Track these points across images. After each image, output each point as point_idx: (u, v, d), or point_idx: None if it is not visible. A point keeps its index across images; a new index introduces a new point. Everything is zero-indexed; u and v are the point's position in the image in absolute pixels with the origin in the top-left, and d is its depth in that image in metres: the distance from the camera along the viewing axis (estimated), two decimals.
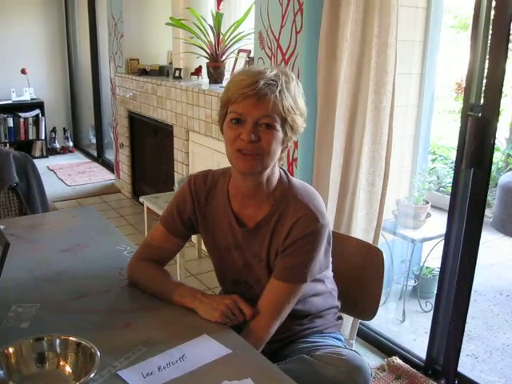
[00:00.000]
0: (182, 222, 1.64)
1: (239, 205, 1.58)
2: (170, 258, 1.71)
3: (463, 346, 2.54)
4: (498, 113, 2.18)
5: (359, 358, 1.57)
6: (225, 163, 1.58)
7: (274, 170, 1.53)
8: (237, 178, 1.55)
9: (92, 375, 1.10)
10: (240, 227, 1.57)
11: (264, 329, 1.51)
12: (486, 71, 2.18)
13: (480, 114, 2.21)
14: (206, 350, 1.33)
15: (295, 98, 1.44)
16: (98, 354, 1.15)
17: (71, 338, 1.22)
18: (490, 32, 2.14)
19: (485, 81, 2.19)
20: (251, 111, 1.40)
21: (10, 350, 1.19)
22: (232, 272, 1.65)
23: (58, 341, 1.23)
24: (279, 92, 1.40)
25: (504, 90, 2.16)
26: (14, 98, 6.79)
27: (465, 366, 2.65)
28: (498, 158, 5.04)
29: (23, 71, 6.73)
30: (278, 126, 1.42)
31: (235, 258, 1.61)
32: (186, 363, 1.28)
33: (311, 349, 1.60)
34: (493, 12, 2.11)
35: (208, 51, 4.00)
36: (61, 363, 1.21)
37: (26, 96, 6.85)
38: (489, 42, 2.15)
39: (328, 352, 1.55)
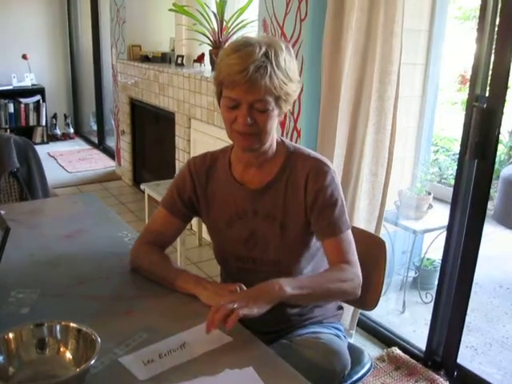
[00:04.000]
0: (182, 201, 1.65)
1: (242, 172, 1.61)
2: (172, 241, 1.72)
3: (463, 337, 2.54)
4: (503, 104, 2.17)
5: (337, 343, 1.60)
6: None
7: (273, 139, 1.57)
8: (238, 150, 1.59)
9: (92, 362, 1.09)
10: (247, 190, 1.59)
11: (358, 276, 1.54)
12: (492, 62, 2.16)
13: (485, 105, 2.19)
14: (207, 337, 1.32)
15: (286, 70, 1.44)
16: (99, 340, 1.15)
17: (72, 325, 1.21)
18: (497, 23, 2.12)
19: (490, 72, 2.17)
20: (245, 96, 1.42)
21: (10, 335, 1.18)
22: (235, 248, 1.64)
23: (58, 327, 1.22)
24: (269, 76, 1.40)
25: (510, 81, 2.15)
26: (15, 83, 6.75)
27: (464, 358, 2.65)
28: (500, 150, 5.04)
29: (24, 57, 6.69)
30: (272, 106, 1.45)
31: (239, 229, 1.61)
32: (187, 351, 1.28)
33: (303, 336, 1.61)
34: (500, 2, 2.10)
35: (211, 38, 3.97)
36: (61, 349, 1.21)
37: (27, 82, 6.81)
38: (495, 32, 2.14)
39: (307, 337, 1.58)
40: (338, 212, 1.55)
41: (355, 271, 1.54)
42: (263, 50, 1.41)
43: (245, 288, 1.47)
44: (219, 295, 1.44)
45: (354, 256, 1.56)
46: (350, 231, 1.58)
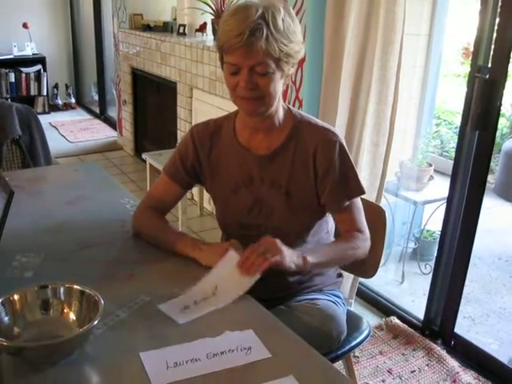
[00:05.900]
0: (185, 169, 1.66)
1: (248, 138, 1.60)
2: (172, 207, 1.75)
3: (460, 308, 2.57)
4: (505, 75, 2.17)
5: (333, 308, 1.63)
6: None
7: (279, 105, 1.56)
8: (244, 116, 1.58)
9: (96, 322, 1.11)
10: (254, 156, 1.59)
11: (368, 240, 1.63)
12: (495, 33, 2.15)
13: (487, 76, 2.19)
14: (236, 279, 1.37)
15: (285, 31, 1.42)
16: (102, 301, 1.17)
17: (75, 286, 1.23)
18: None
19: (493, 43, 2.16)
20: (244, 61, 1.41)
21: (15, 296, 1.20)
22: (239, 215, 1.64)
23: (62, 289, 1.24)
24: (266, 39, 1.38)
25: None
26: (16, 52, 6.68)
27: (461, 328, 2.68)
28: (502, 124, 5.02)
29: (25, 25, 6.61)
30: (273, 68, 1.43)
31: (244, 197, 1.62)
32: (219, 297, 1.35)
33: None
34: None
35: (213, 7, 3.93)
36: (65, 310, 1.23)
37: (28, 51, 6.74)
38: (499, 3, 2.11)
39: (305, 303, 1.61)
40: (352, 182, 1.59)
41: (366, 237, 1.62)
42: (259, 12, 1.39)
43: (239, 244, 1.50)
44: (216, 254, 1.47)
45: (364, 223, 1.63)
46: (359, 199, 1.63)
